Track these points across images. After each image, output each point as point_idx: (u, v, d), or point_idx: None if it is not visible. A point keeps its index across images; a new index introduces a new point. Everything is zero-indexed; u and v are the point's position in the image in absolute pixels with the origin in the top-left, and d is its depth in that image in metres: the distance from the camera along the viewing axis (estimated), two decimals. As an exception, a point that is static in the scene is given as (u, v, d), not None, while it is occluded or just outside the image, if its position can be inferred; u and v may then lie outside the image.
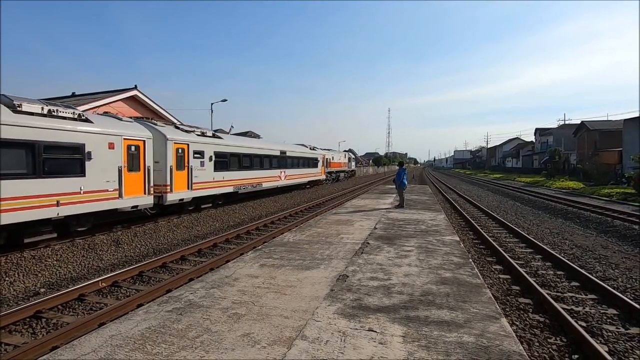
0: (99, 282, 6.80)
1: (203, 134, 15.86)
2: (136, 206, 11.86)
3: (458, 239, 7.46)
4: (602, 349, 4.34)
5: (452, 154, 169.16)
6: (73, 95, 20.45)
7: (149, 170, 12.22)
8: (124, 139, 11.29)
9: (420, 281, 4.65)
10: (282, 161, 23.52)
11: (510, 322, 5.24)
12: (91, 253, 9.07)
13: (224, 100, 33.47)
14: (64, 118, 9.66)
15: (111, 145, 10.81)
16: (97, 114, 12.81)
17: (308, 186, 30.24)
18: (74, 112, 10.05)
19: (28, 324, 5.35)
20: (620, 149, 32.97)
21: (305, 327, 3.35)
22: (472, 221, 13.57)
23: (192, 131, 15.23)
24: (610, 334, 5.00)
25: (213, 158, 15.82)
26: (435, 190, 28.20)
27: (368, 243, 6.90)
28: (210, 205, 16.30)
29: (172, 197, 13.26)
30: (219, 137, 17.16)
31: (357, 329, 3.32)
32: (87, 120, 10.35)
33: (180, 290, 4.39)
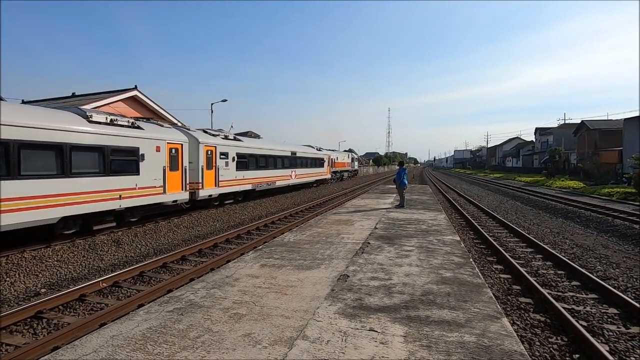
0: (100, 282, 6.80)
1: (226, 137, 17.68)
2: (176, 201, 13.64)
3: (459, 238, 7.45)
4: (603, 349, 4.34)
5: (452, 153, 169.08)
6: (73, 95, 20.43)
7: (185, 169, 14.01)
8: (167, 142, 13.08)
9: (421, 281, 4.65)
10: (292, 161, 25.34)
11: (511, 321, 5.24)
12: (92, 253, 9.07)
13: (224, 100, 33.50)
14: (122, 126, 11.40)
15: (158, 148, 12.59)
16: (144, 120, 14.24)
17: (315, 185, 31.62)
18: (128, 121, 11.94)
19: (29, 324, 5.35)
20: (621, 148, 32.96)
21: (306, 327, 3.35)
22: (473, 221, 13.57)
23: (217, 135, 17.05)
24: (611, 333, 4.99)
25: (235, 159, 17.65)
26: (436, 190, 28.20)
27: (369, 243, 6.90)
28: (232, 201, 17.98)
29: (203, 193, 15.09)
30: (240, 140, 19.04)
31: (358, 328, 3.32)
32: (139, 127, 12.09)
33: (181, 291, 4.39)
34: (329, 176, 35.28)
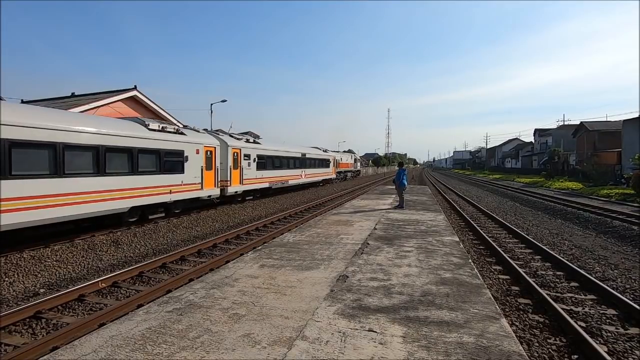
0: (99, 282, 6.79)
1: (248, 141, 20.03)
2: (210, 196, 15.75)
3: (458, 239, 7.46)
4: (602, 349, 4.35)
5: (452, 154, 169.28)
6: (73, 95, 20.41)
7: (217, 169, 16.16)
8: (204, 146, 15.19)
9: (420, 281, 4.66)
10: (302, 162, 27.74)
11: (510, 322, 5.25)
12: (90, 253, 9.07)
13: (224, 101, 33.50)
14: (170, 132, 13.53)
15: (197, 151, 14.68)
16: (184, 127, 16.15)
17: (321, 184, 33.69)
18: (175, 128, 14.28)
19: (28, 325, 5.35)
20: (620, 149, 33.03)
21: (305, 328, 3.35)
22: (472, 222, 13.59)
23: (241, 139, 19.66)
24: (609, 334, 5.01)
25: (256, 160, 19.95)
26: (435, 191, 28.21)
27: (368, 243, 6.90)
28: (252, 197, 20.29)
29: (231, 190, 17.45)
30: (259, 143, 21.29)
31: (357, 329, 3.32)
32: (182, 133, 14.26)
33: (180, 291, 4.39)
34: (334, 176, 37.45)
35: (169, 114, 22.38)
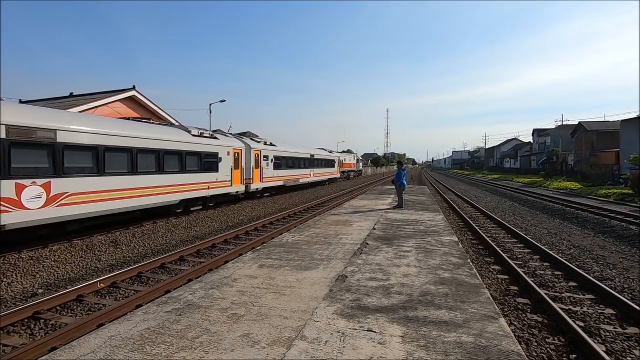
0: (98, 282, 6.78)
1: (265, 143, 22.46)
2: (237, 192, 18.16)
3: (456, 239, 7.47)
4: (600, 349, 4.36)
5: (451, 154, 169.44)
6: (71, 95, 20.36)
7: (243, 168, 18.71)
8: (233, 148, 17.66)
9: (419, 281, 4.66)
10: (311, 162, 30.37)
11: (509, 322, 5.26)
12: (89, 254, 9.05)
13: (223, 101, 33.45)
14: (207, 137, 15.84)
15: (227, 153, 17.03)
16: (214, 132, 18.69)
17: (327, 183, 36.27)
18: (210, 134, 16.69)
19: (26, 325, 5.33)
20: (618, 149, 33.12)
21: (304, 328, 3.35)
22: (471, 221, 13.61)
23: (260, 141, 22.13)
24: (607, 333, 5.02)
25: (273, 160, 22.44)
26: (434, 191, 28.24)
27: (367, 243, 6.91)
28: (268, 194, 22.68)
29: (253, 186, 19.98)
30: (275, 145, 23.51)
31: (356, 329, 3.33)
32: (215, 137, 16.71)
33: (179, 291, 4.39)
34: (338, 175, 40.15)
35: (168, 114, 22.34)
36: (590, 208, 17.18)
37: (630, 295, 6.48)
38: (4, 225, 8.05)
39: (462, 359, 2.81)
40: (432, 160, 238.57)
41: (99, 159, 10.29)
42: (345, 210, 12.29)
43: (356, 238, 7.42)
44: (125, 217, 11.76)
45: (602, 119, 49.30)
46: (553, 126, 63.70)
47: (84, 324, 5.09)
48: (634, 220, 13.23)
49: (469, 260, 5.84)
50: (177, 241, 10.84)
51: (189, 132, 14.80)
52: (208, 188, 15.49)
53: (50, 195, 8.98)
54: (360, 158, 65.05)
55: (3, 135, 8.04)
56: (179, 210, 14.34)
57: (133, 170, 11.50)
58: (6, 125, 8.11)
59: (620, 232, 12.08)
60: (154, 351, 2.93)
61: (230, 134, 19.73)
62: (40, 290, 6.81)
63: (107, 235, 10.74)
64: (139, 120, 14.29)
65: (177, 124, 17.08)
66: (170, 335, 3.20)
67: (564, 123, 60.78)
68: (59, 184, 9.16)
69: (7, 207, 8.02)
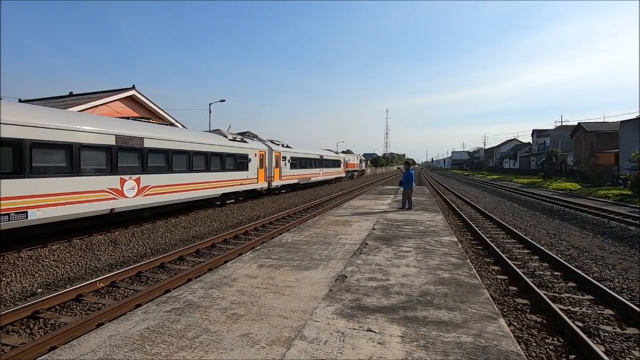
0: (97, 282, 6.78)
1: (283, 146, 25.45)
2: (262, 188, 21.13)
3: (456, 239, 7.48)
4: (599, 349, 4.37)
5: (450, 154, 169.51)
6: (70, 94, 20.34)
7: (267, 168, 21.68)
8: (258, 151, 20.70)
9: (419, 282, 4.67)
10: (321, 163, 33.61)
11: (508, 322, 5.27)
12: (88, 253, 9.04)
13: (222, 101, 33.43)
14: (239, 141, 18.93)
15: (255, 154, 19.99)
16: (231, 133, 20.74)
17: (333, 181, 39.22)
18: (241, 138, 19.89)
19: (26, 324, 5.33)
20: (617, 150, 33.16)
21: (304, 328, 3.36)
22: (470, 222, 13.62)
23: (279, 144, 25.03)
24: (607, 334, 5.03)
25: (290, 161, 25.44)
26: (433, 191, 28.26)
27: (366, 244, 6.91)
28: (285, 191, 25.76)
29: (274, 184, 22.91)
30: (290, 147, 26.74)
31: (355, 329, 3.33)
32: (245, 141, 19.77)
33: (178, 291, 4.39)
34: (344, 175, 43.56)
35: (168, 114, 22.33)
36: (590, 209, 17.20)
37: (629, 295, 6.49)
38: (114, 208, 10.82)
39: (461, 359, 2.82)
40: (432, 160, 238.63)
41: (169, 160, 13.13)
42: (345, 210, 12.30)
43: (356, 238, 7.43)
44: (181, 206, 14.63)
45: (602, 120, 49.39)
46: (552, 127, 63.74)
47: (84, 323, 5.09)
48: (633, 221, 13.24)
49: (468, 260, 5.84)
50: (176, 241, 10.84)
51: (226, 137, 17.96)
52: (241, 184, 18.41)
53: (140, 187, 11.79)
54: (363, 159, 68.19)
55: (113, 143, 10.73)
56: (218, 203, 17.01)
57: (189, 168, 14.29)
58: (115, 135, 10.83)
59: (619, 233, 12.10)
60: (154, 351, 2.93)
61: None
62: (39, 290, 6.81)
63: (107, 234, 10.74)
64: (138, 120, 14.62)
65: (216, 129, 20.36)
66: (170, 335, 3.20)
67: (564, 124, 60.81)
68: (145, 179, 11.97)
69: (115, 195, 10.85)
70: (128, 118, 13.99)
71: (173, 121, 21.95)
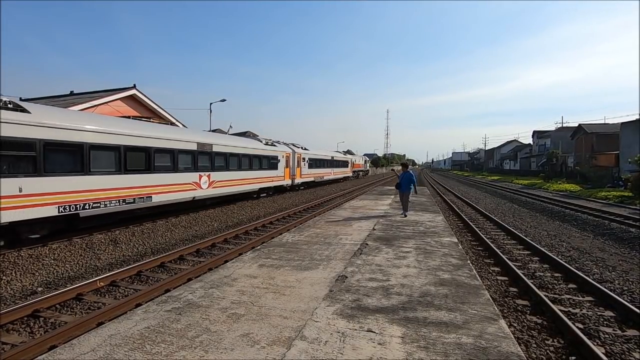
0: (97, 281, 6.78)
1: (302, 148, 28.96)
2: (287, 184, 24.67)
3: (456, 240, 7.48)
4: (599, 351, 4.36)
5: (450, 155, 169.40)
6: (71, 93, 20.35)
7: (290, 167, 24.93)
8: (285, 153, 23.97)
9: (419, 282, 4.67)
10: (332, 163, 37.40)
11: (509, 323, 5.26)
12: (89, 252, 9.04)
13: (223, 100, 33.42)
14: (269, 145, 22.14)
15: (282, 156, 23.38)
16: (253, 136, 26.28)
17: (342, 180, 43.09)
18: (272, 142, 23.19)
19: (26, 323, 5.33)
20: (617, 151, 33.14)
21: (304, 328, 3.36)
22: (470, 223, 13.61)
23: (299, 147, 28.59)
24: (607, 335, 5.02)
25: (308, 161, 29.38)
26: (433, 192, 28.25)
27: (367, 244, 6.91)
28: (303, 187, 29.33)
29: (296, 181, 26.54)
30: (308, 150, 30.54)
31: (356, 329, 3.33)
32: (275, 145, 22.97)
33: (179, 290, 4.39)
34: (351, 174, 47.52)
35: (169, 113, 22.35)
36: (590, 210, 17.18)
37: (629, 297, 6.48)
38: (195, 197, 14.49)
39: (462, 360, 2.82)
40: (432, 161, 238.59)
41: (227, 161, 16.75)
42: (345, 210, 12.29)
43: (356, 238, 7.43)
44: (232, 197, 18.26)
45: (602, 121, 49.36)
46: (553, 128, 63.68)
47: (84, 322, 5.08)
48: (634, 223, 13.23)
49: (468, 261, 5.84)
50: (176, 240, 10.84)
51: (261, 142, 21.75)
52: (272, 181, 21.83)
53: (210, 181, 15.46)
54: (367, 159, 73.45)
55: (195, 148, 14.50)
56: (255, 196, 20.77)
57: (240, 167, 17.93)
58: (197, 142, 14.68)
59: (619, 234, 12.09)
60: (154, 350, 2.93)
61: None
62: (39, 289, 6.80)
63: (107, 234, 10.74)
64: (138, 119, 14.84)
65: (251, 133, 24.62)
66: (170, 335, 3.20)
67: (564, 125, 60.75)
68: (213, 175, 15.66)
69: (195, 187, 14.48)
70: (128, 117, 14.04)
71: (174, 121, 21.96)
